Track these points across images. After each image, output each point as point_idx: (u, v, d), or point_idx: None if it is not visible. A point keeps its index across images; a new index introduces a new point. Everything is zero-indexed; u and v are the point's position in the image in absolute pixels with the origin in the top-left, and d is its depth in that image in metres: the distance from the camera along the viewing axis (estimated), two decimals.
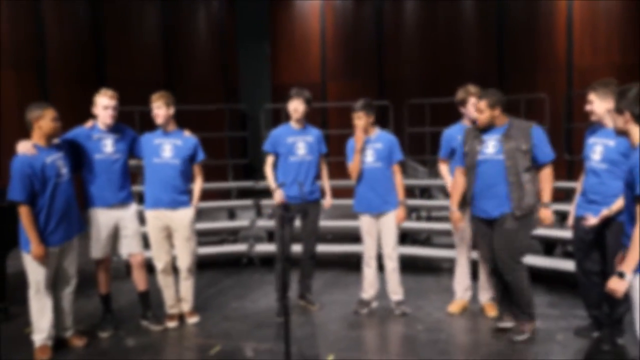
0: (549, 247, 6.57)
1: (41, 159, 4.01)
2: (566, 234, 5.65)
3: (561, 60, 12.60)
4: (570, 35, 12.47)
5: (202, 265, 6.05)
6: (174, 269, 4.85)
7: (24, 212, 3.96)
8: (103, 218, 4.53)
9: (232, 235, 8.01)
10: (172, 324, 4.80)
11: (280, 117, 6.20)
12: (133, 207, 4.70)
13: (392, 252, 4.95)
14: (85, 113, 4.64)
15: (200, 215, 5.89)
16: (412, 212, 7.91)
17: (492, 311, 4.84)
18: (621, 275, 2.77)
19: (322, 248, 6.12)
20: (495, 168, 4.25)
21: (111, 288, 4.77)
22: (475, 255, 5.02)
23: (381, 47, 14.05)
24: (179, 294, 4.88)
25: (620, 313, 4.04)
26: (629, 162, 2.94)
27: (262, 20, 15.58)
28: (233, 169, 9.05)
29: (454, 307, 5.03)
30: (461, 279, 5.05)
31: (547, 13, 12.84)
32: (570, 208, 4.41)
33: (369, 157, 4.89)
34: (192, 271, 4.86)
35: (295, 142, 4.98)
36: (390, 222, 4.91)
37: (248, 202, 7.82)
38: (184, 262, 4.79)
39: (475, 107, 4.40)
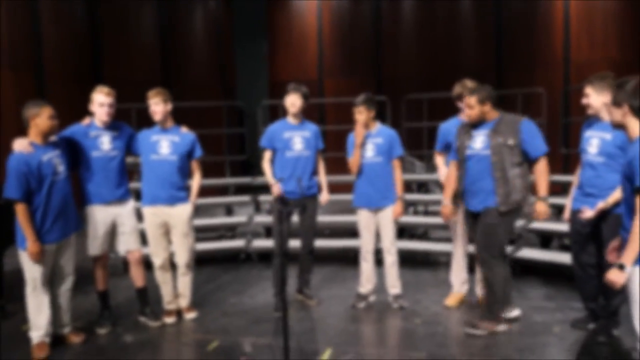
0: (545, 240, 6.60)
1: (37, 156, 4.00)
2: (563, 227, 5.68)
3: (558, 56, 12.61)
4: (567, 31, 12.48)
5: (200, 261, 6.06)
6: (172, 265, 4.86)
7: (20, 210, 3.96)
8: (100, 215, 4.52)
9: (230, 231, 8.03)
10: (170, 320, 4.81)
11: (278, 113, 6.21)
12: (130, 204, 4.69)
13: (391, 246, 4.96)
14: (82, 112, 4.64)
15: (198, 211, 5.90)
16: (409, 207, 7.93)
17: None
18: (621, 267, 2.78)
19: (320, 243, 6.13)
20: (481, 163, 4.25)
21: (109, 285, 4.77)
22: (471, 248, 5.03)
23: (379, 45, 14.05)
24: (177, 290, 4.89)
25: (616, 305, 4.06)
26: (627, 155, 2.92)
27: (259, 18, 15.59)
28: (231, 166, 9.07)
29: (451, 300, 5.05)
30: (458, 272, 5.06)
31: (544, 9, 12.85)
32: (567, 201, 4.43)
33: (369, 151, 4.89)
34: (190, 267, 4.87)
35: (291, 137, 4.98)
36: (389, 217, 4.93)
37: (246, 198, 7.85)
38: (182, 258, 4.80)
39: (465, 102, 4.40)
